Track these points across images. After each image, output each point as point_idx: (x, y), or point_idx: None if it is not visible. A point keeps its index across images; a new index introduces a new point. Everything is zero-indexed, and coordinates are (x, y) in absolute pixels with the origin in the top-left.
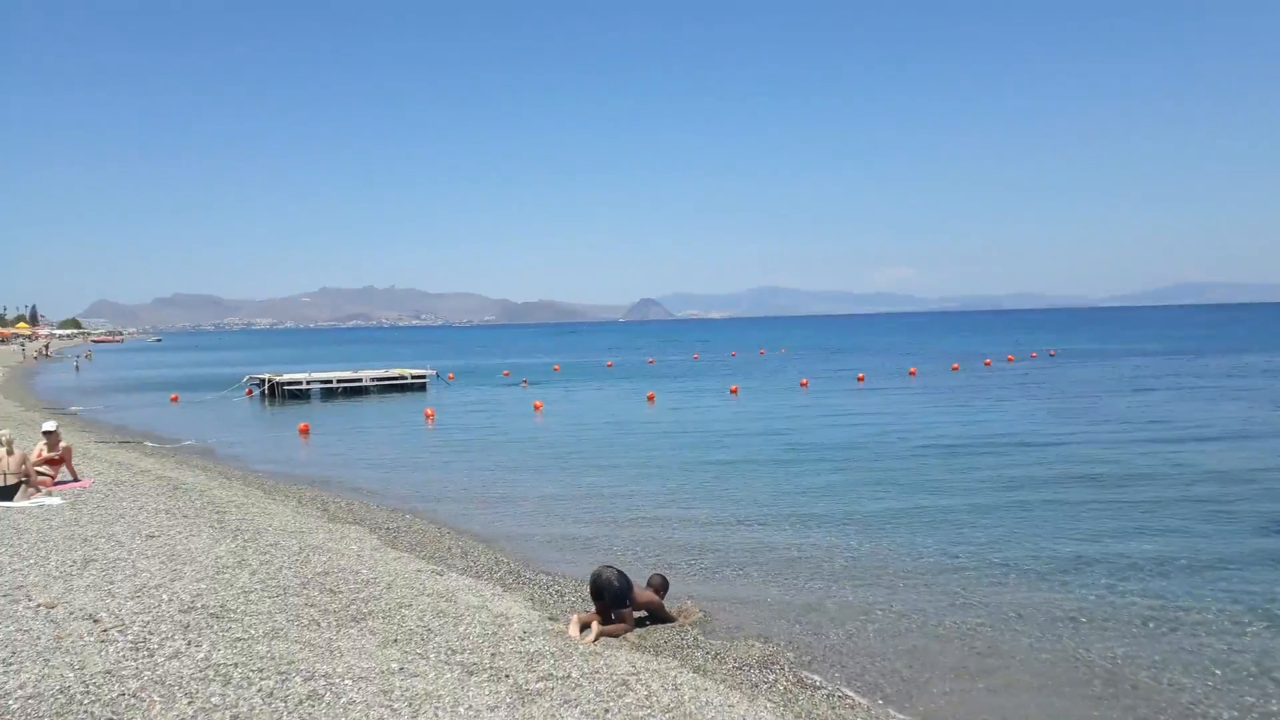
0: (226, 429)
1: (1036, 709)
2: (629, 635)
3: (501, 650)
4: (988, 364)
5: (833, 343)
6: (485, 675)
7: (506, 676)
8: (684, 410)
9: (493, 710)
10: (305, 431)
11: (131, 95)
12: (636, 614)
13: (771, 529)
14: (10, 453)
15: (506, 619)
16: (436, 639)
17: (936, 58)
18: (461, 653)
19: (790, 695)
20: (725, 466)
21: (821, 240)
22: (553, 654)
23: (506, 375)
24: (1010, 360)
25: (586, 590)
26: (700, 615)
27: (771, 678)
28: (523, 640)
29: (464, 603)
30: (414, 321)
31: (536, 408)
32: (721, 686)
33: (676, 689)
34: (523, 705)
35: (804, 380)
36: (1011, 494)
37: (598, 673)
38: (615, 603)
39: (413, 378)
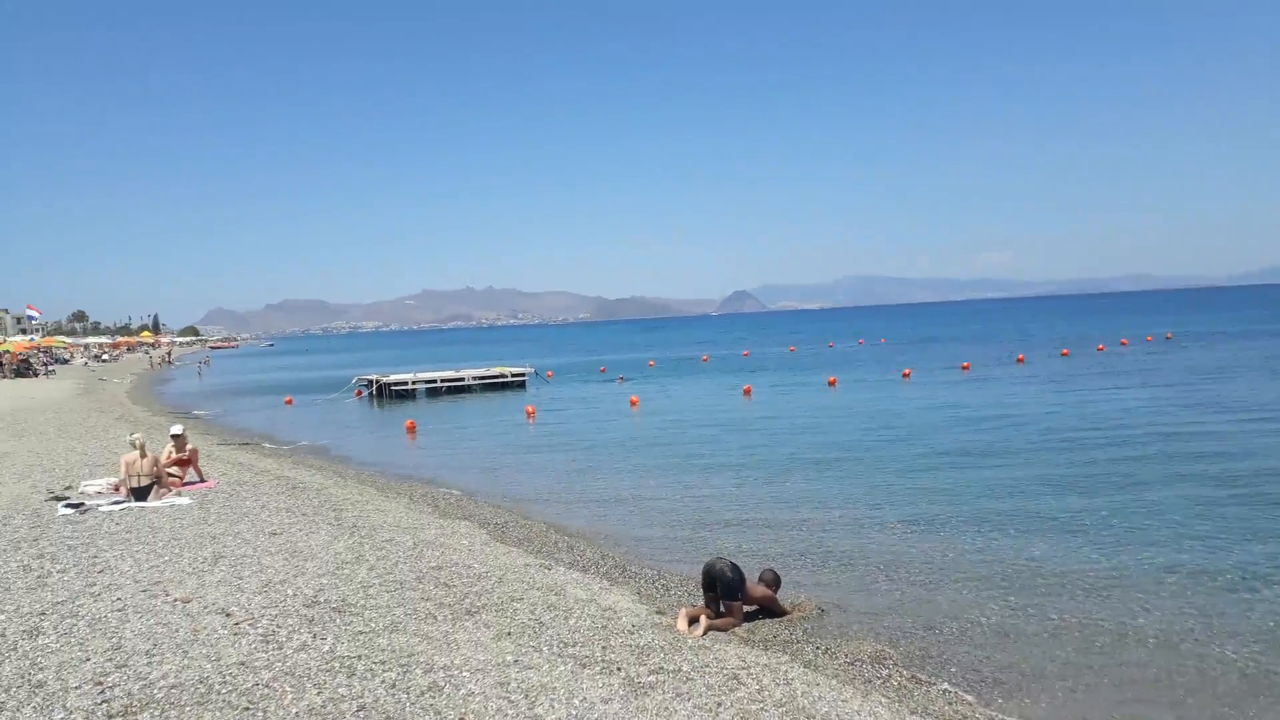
0: (338, 429)
1: (1162, 711)
2: (737, 630)
3: (612, 643)
4: (1100, 349)
5: (935, 331)
6: (597, 668)
7: (619, 669)
8: (781, 403)
9: (606, 703)
10: (412, 430)
11: (241, 112)
12: (747, 608)
13: (877, 524)
14: (143, 455)
15: (615, 613)
16: (548, 632)
17: (1042, 34)
18: (573, 645)
19: (904, 691)
20: (826, 460)
21: (920, 226)
22: (663, 647)
23: (603, 371)
24: (1124, 344)
25: (692, 585)
26: (816, 610)
27: (884, 673)
28: (632, 634)
29: (573, 596)
30: (511, 320)
31: (633, 403)
32: (834, 681)
33: (788, 684)
34: (635, 698)
35: (906, 370)
36: (1133, 487)
37: (708, 666)
38: (727, 594)
39: (512, 376)
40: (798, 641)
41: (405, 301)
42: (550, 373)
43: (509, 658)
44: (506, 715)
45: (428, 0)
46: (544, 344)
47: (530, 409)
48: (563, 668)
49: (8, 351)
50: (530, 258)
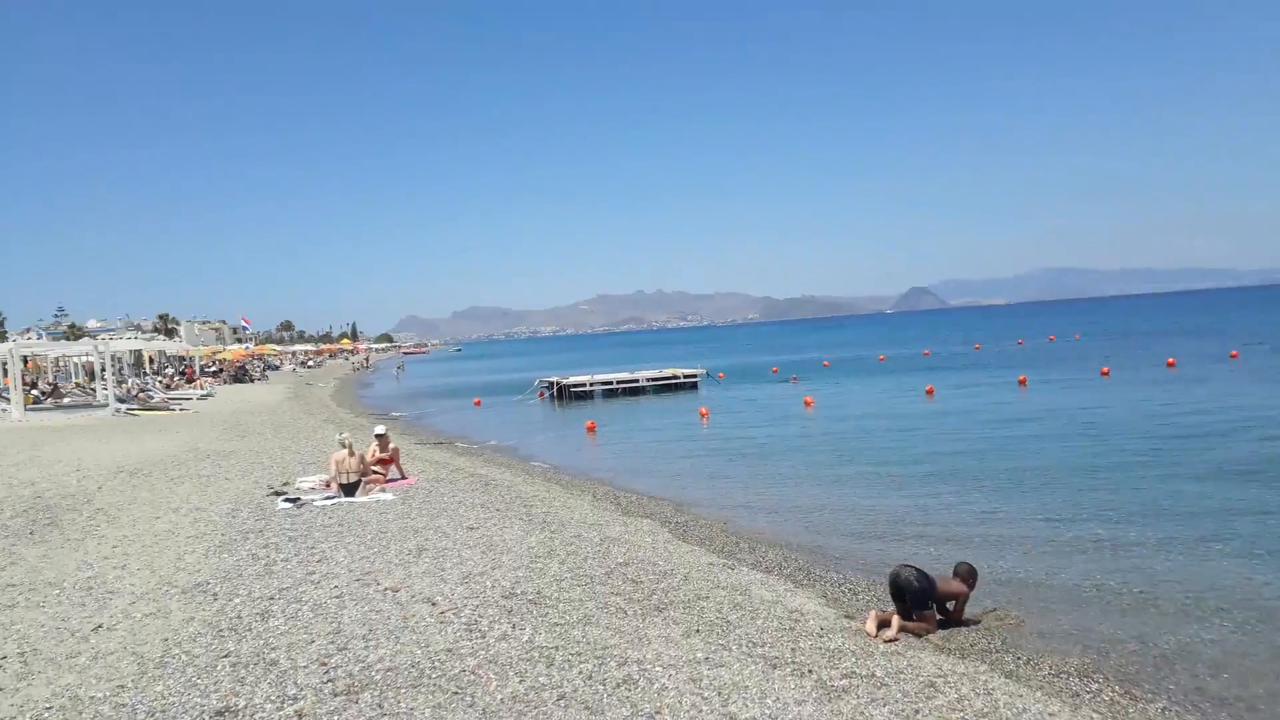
0: (524, 429)
1: None
2: (931, 637)
3: (801, 646)
4: None
5: (1135, 325)
6: (788, 669)
7: (810, 672)
8: (967, 404)
9: (800, 704)
10: (592, 430)
11: (419, 127)
12: (948, 603)
13: (1078, 531)
14: (352, 454)
15: (802, 615)
16: (736, 631)
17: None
18: (762, 646)
19: (1118, 707)
20: (1020, 466)
21: (1114, 214)
22: (854, 652)
23: (775, 372)
24: None
25: (880, 589)
26: (1015, 619)
27: (1094, 687)
28: (821, 637)
29: (758, 597)
30: (681, 323)
31: (808, 404)
32: (1039, 694)
33: (989, 694)
34: (829, 701)
35: (1104, 368)
36: None
37: (902, 673)
38: (917, 603)
39: (685, 377)
40: (996, 651)
41: (581, 306)
42: (722, 374)
43: (699, 655)
44: (701, 712)
45: (607, 7)
46: (714, 345)
47: (704, 410)
48: (753, 667)
49: (227, 359)
50: (699, 260)
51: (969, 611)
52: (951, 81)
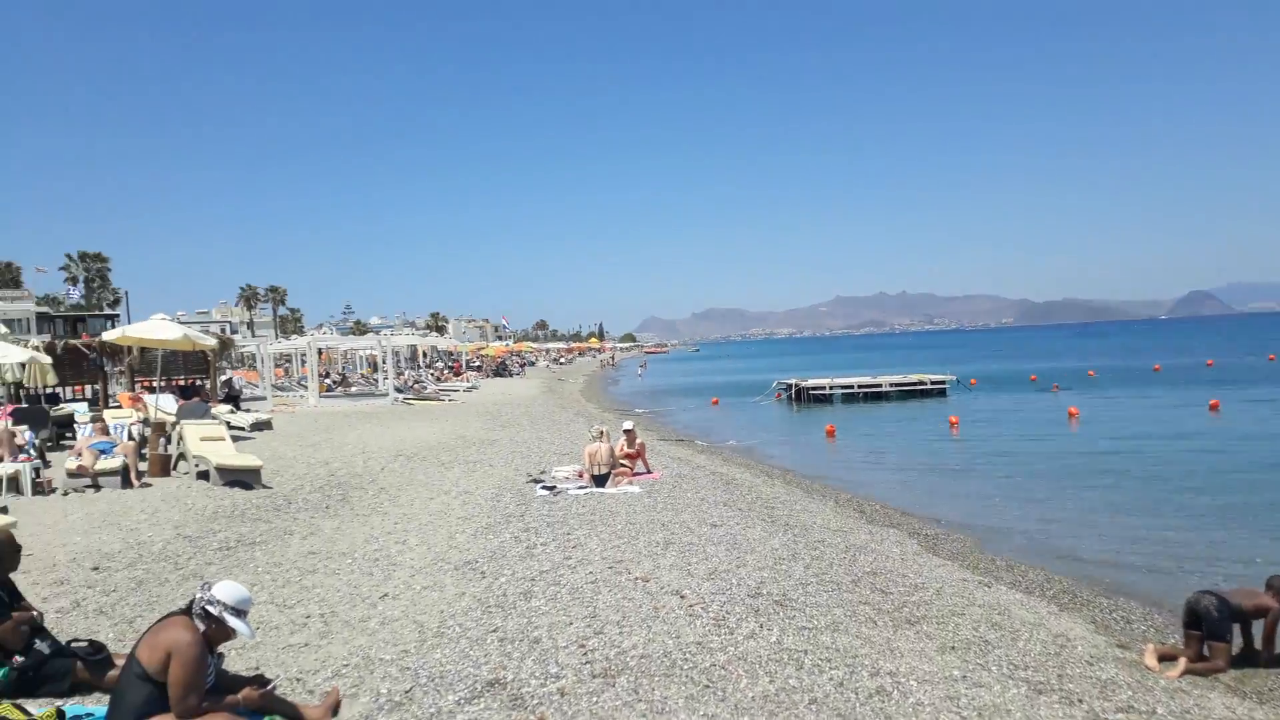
0: (761, 430)
1: None
2: (1221, 676)
3: (1068, 673)
4: None
5: None
6: (1055, 696)
7: (1080, 701)
8: (1260, 423)
9: None
10: (832, 434)
11: (665, 138)
12: (1255, 620)
13: None
14: (605, 444)
15: (1068, 640)
16: (995, 651)
17: None
18: (1024, 669)
19: None
20: None
21: None
22: (1129, 685)
23: (1034, 380)
24: None
25: (1159, 620)
26: None
27: None
28: (1090, 665)
29: (1018, 618)
30: (926, 326)
31: (1071, 414)
32: None
33: None
34: None
35: None
36: None
37: (1188, 713)
38: (1213, 635)
39: (932, 383)
40: None
41: (819, 308)
42: (974, 380)
43: (955, 672)
44: None
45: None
46: (964, 350)
47: (954, 418)
48: (1015, 690)
49: (489, 355)
50: (947, 260)
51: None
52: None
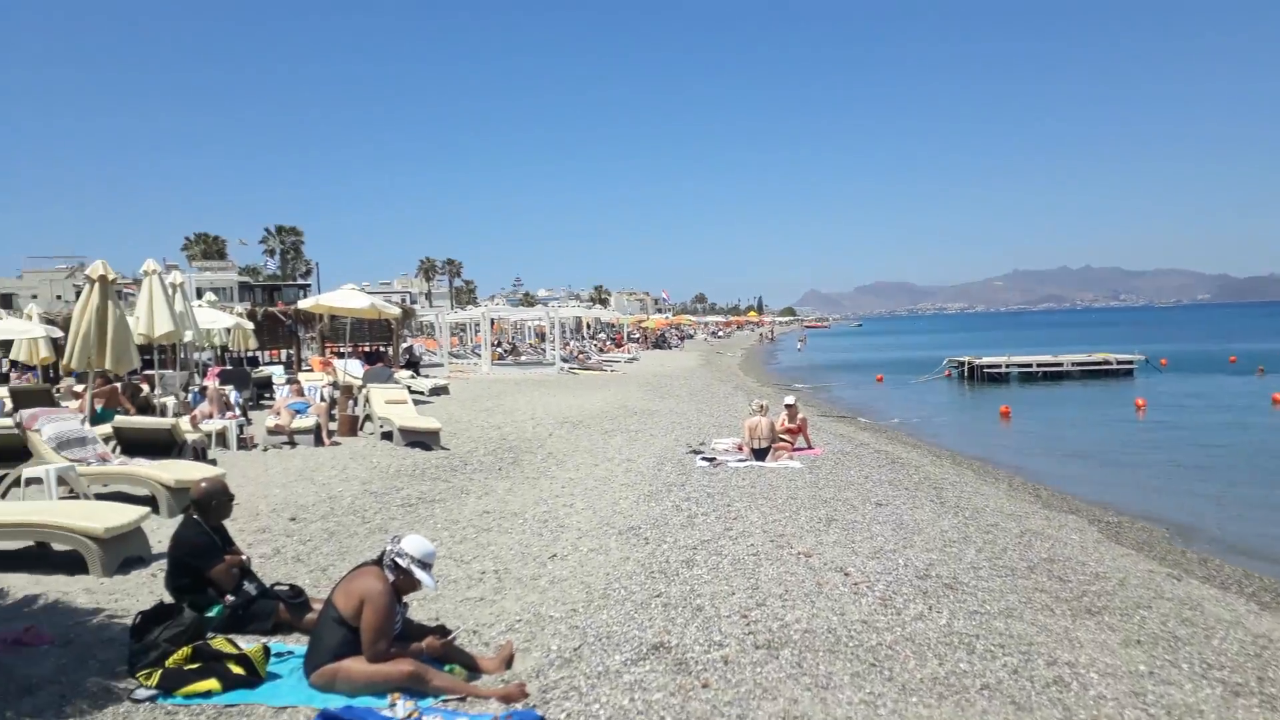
0: (929, 408)
1: None
2: None
3: (1270, 676)
4: None
5: None
6: (1254, 700)
7: None
8: None
9: None
10: (1006, 415)
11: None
12: None
13: None
14: (765, 419)
15: (1270, 641)
16: (1186, 649)
17: None
18: (1219, 669)
19: None
20: None
21: None
22: None
23: (1233, 361)
24: None
25: None
26: None
27: None
28: None
29: (1212, 614)
30: (1111, 302)
31: (1276, 402)
32: None
33: None
34: None
35: None
36: None
37: None
38: None
39: (1118, 363)
40: None
41: (994, 282)
42: (1164, 360)
43: (1141, 667)
44: None
45: None
46: (1152, 328)
47: (1140, 401)
48: (1209, 691)
49: (649, 327)
50: (1137, 232)
51: None
52: None
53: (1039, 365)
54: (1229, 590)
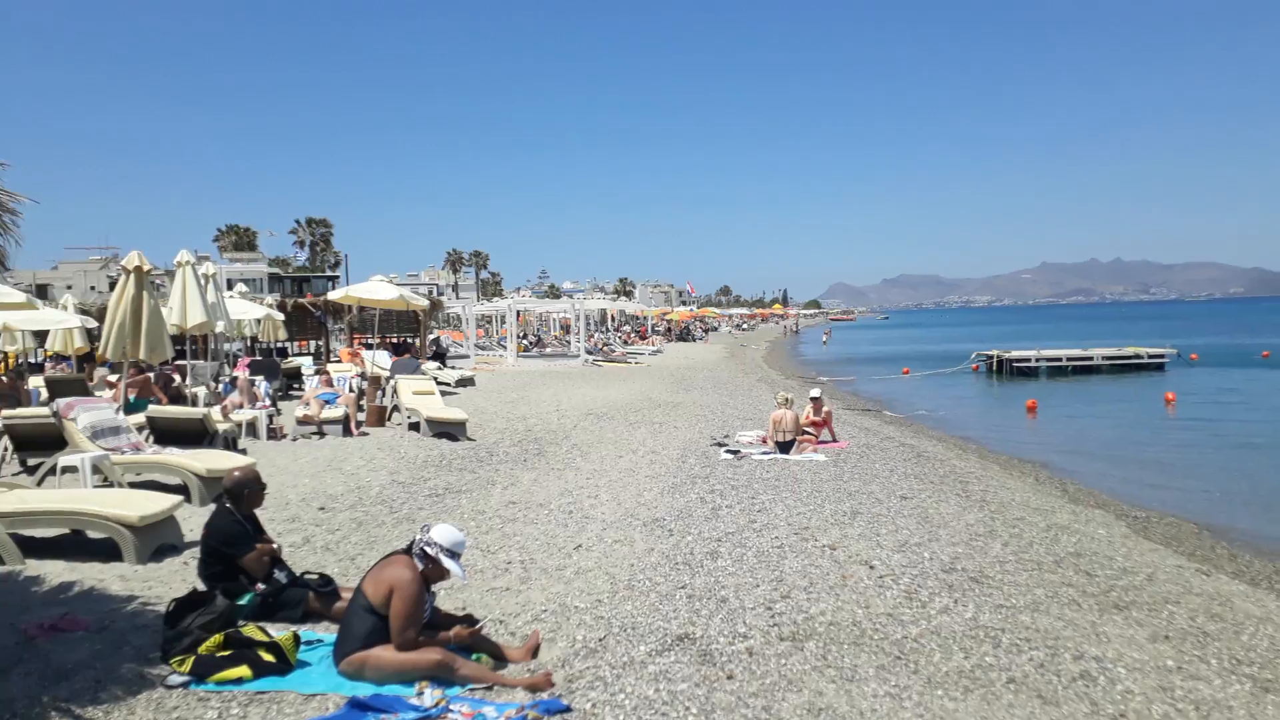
0: (956, 402)
1: None
2: None
3: None
4: None
5: None
6: None
7: None
8: None
9: None
10: (1032, 409)
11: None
12: None
13: None
14: (789, 412)
15: None
16: (1215, 644)
17: None
18: (1249, 665)
19: None
20: None
21: None
22: None
23: (1266, 356)
24: None
25: None
26: None
27: None
28: None
29: (1242, 610)
30: (1141, 296)
31: None
32: None
33: None
34: None
35: None
36: None
37: None
38: None
39: (1149, 357)
40: None
41: (1022, 275)
42: (1195, 355)
43: (1169, 662)
44: None
45: None
46: (1184, 322)
47: (1170, 396)
48: (1238, 686)
49: (674, 320)
50: (1168, 225)
51: None
52: None
53: (1069, 359)
54: (1259, 586)
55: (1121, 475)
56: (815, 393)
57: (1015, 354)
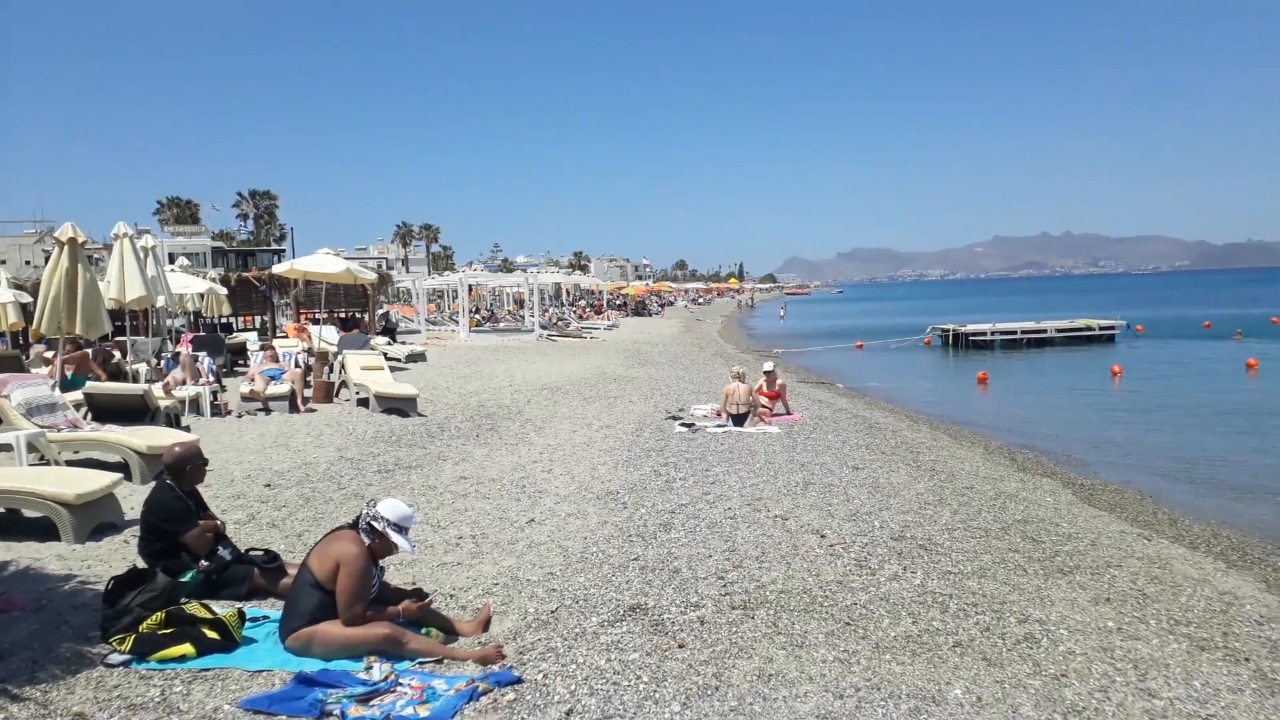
0: (909, 375)
1: None
2: None
3: (1234, 631)
4: None
5: None
6: (1219, 654)
7: (1246, 660)
8: None
9: (1235, 692)
10: (983, 380)
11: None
12: None
13: None
14: (742, 385)
15: (1236, 599)
16: (1154, 605)
17: None
18: (1185, 625)
19: None
20: None
21: None
22: None
23: (1207, 326)
24: None
25: None
26: None
27: None
28: (1260, 625)
29: (1180, 572)
30: (1090, 269)
31: (1250, 366)
32: None
33: None
34: (1272, 695)
35: None
36: None
37: None
38: None
39: (1100, 329)
40: None
41: (974, 249)
42: (1140, 326)
43: (1110, 624)
44: (1113, 682)
45: None
46: (1129, 294)
47: (1117, 368)
48: (1175, 645)
49: (630, 294)
50: (1117, 199)
51: None
52: None
53: (1023, 332)
54: (1197, 549)
55: (1068, 444)
56: (769, 366)
57: (971, 328)
